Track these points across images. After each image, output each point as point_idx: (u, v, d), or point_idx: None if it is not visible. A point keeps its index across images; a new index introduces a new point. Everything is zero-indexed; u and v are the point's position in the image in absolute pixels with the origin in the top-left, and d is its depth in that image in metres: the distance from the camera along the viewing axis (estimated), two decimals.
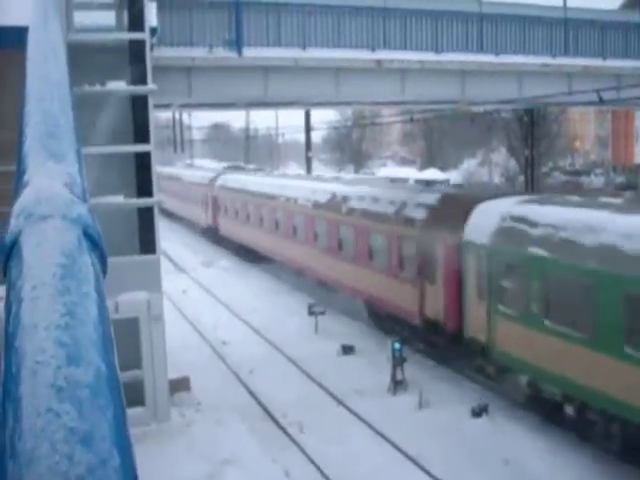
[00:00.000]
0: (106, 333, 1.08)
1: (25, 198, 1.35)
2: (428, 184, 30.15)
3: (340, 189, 28.75)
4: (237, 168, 60.16)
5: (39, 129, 1.76)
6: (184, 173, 61.36)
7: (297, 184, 34.09)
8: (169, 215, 61.23)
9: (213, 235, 47.16)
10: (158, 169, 67.71)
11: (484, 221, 18.40)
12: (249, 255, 39.17)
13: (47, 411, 0.87)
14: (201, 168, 64.33)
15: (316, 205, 29.28)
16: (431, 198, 21.64)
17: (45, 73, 2.35)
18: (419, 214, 21.24)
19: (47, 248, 1.18)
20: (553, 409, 16.17)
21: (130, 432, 0.97)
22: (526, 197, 19.50)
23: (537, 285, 16.22)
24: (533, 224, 16.63)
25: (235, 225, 41.60)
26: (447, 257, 19.46)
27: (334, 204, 27.54)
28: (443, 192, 22.47)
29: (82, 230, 1.30)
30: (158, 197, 16.81)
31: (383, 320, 24.00)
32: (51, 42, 2.92)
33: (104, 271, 1.39)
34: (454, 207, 19.94)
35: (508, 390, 18.08)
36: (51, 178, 1.44)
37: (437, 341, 20.49)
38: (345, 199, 26.90)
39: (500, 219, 17.83)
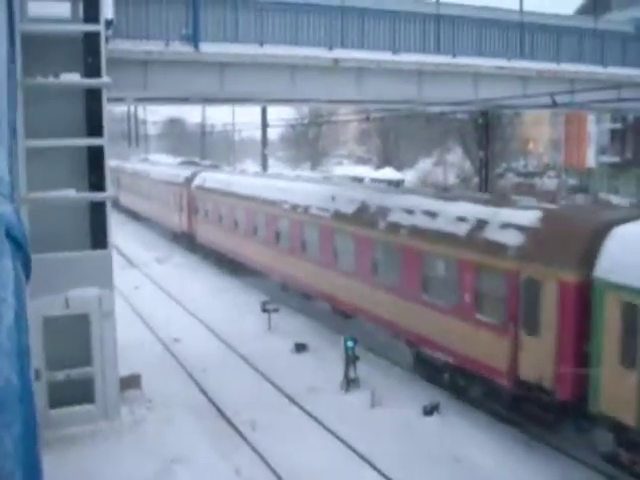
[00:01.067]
0: (21, 342, 1.01)
1: None
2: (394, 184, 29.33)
3: (373, 197, 23.01)
4: (214, 166, 56.39)
5: None
6: (153, 170, 55.01)
7: (299, 187, 28.58)
8: (133, 215, 58.80)
9: (188, 242, 41.46)
10: (122, 165, 65.05)
11: (635, 254, 13.43)
12: (232, 267, 34.09)
13: None
14: (171, 165, 59.16)
15: (338, 216, 23.40)
16: (525, 217, 16.32)
17: None
18: (511, 238, 16.11)
19: None
20: None
21: (40, 448, 0.90)
22: None
23: None
24: None
25: (218, 233, 35.72)
26: (563, 300, 14.39)
27: (367, 217, 21.85)
28: (542, 209, 16.73)
29: (4, 231, 1.22)
30: (110, 191, 16.56)
31: (435, 369, 18.98)
32: None
33: (27, 273, 1.32)
34: (569, 230, 15.17)
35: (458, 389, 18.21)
36: None
37: (533, 410, 15.57)
38: (384, 211, 21.27)
39: None
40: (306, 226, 25.63)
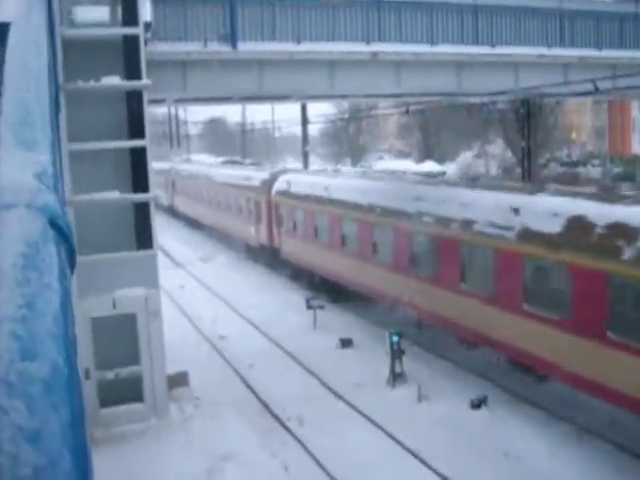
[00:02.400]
0: (67, 327, 1.02)
1: None
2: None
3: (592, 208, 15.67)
4: (287, 170, 44.44)
5: (12, 118, 1.71)
6: (216, 172, 47.53)
7: (439, 193, 21.67)
8: (192, 223, 53.23)
9: (269, 256, 34.42)
10: (177, 167, 60.40)
11: None
12: (326, 288, 27.81)
13: None
14: (246, 167, 50.45)
15: (534, 238, 16.34)
16: None
17: (24, 64, 2.30)
18: None
19: (8, 237, 1.12)
20: None
21: (88, 434, 0.91)
22: None
23: None
24: None
25: (312, 249, 28.79)
26: None
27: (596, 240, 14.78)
28: None
29: (49, 220, 1.24)
30: (154, 192, 16.74)
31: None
32: (33, 35, 2.87)
33: (72, 264, 1.33)
34: None
35: (507, 382, 18.06)
36: (20, 166, 1.39)
37: None
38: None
39: None
40: (470, 249, 18.85)
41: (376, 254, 23.62)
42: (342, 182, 28.98)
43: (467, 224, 18.90)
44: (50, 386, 0.87)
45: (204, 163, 62.62)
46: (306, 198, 29.58)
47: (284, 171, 36.97)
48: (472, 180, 28.93)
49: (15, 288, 1.00)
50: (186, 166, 60.13)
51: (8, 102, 1.85)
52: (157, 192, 21.25)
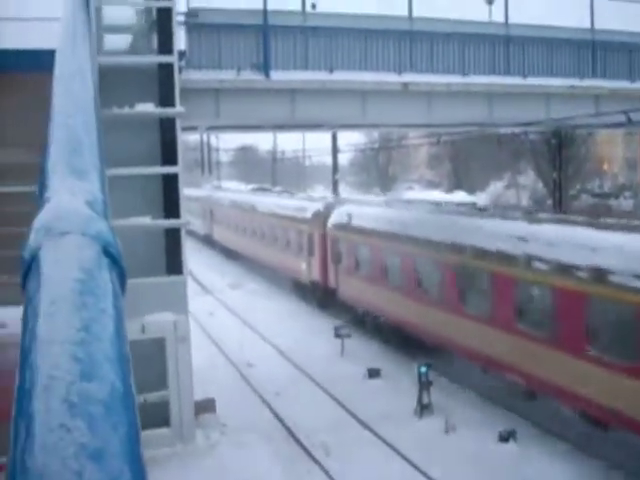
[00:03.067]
0: (122, 350, 1.06)
1: (45, 214, 1.34)
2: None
3: None
4: (347, 200, 39.86)
5: (63, 146, 1.76)
6: (260, 201, 44.39)
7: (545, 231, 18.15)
8: (230, 254, 50.75)
9: (322, 296, 31.44)
10: (215, 195, 58.11)
11: None
12: (391, 336, 25.01)
13: (59, 427, 0.85)
14: (294, 196, 46.67)
15: None
16: None
17: (71, 92, 2.36)
18: None
19: (66, 264, 1.17)
20: None
21: (143, 451, 0.95)
22: None
23: None
24: None
25: (378, 292, 25.44)
26: None
27: None
28: None
29: (102, 247, 1.29)
30: (185, 218, 16.86)
31: None
32: (78, 62, 2.94)
33: (123, 289, 1.38)
34: None
35: (535, 415, 17.85)
36: (72, 195, 1.44)
37: None
38: None
39: None
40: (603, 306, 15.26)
41: (461, 303, 20.47)
42: (418, 216, 25.00)
43: (598, 273, 15.24)
44: (109, 406, 0.91)
45: (243, 191, 59.92)
46: (373, 233, 26.25)
47: (338, 202, 33.75)
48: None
49: (74, 312, 1.04)
50: (227, 194, 57.48)
51: (58, 130, 1.91)
52: (192, 220, 20.74)
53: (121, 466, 0.84)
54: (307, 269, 33.00)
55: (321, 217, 31.79)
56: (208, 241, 58.64)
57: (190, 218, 30.12)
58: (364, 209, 29.58)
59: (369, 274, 26.50)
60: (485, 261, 19.31)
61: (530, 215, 23.58)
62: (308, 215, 33.32)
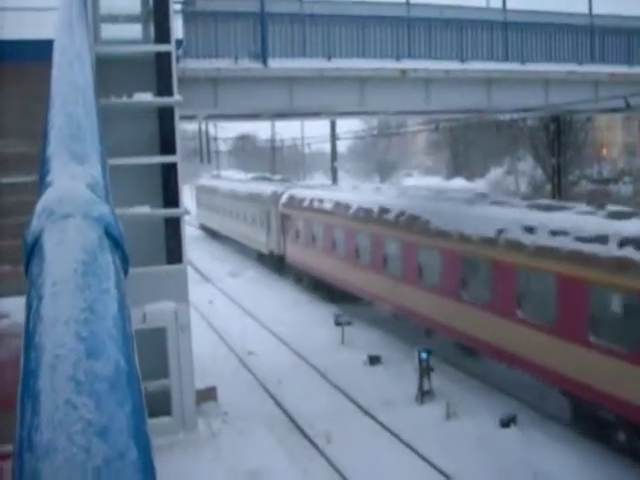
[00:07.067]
0: (126, 329, 1.08)
1: (47, 198, 1.36)
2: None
3: None
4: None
5: (62, 132, 1.77)
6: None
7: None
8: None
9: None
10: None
11: None
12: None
13: (65, 403, 0.87)
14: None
15: None
16: None
17: (70, 78, 2.37)
18: None
19: (68, 246, 1.18)
20: None
21: (149, 428, 0.96)
22: None
23: None
24: None
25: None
26: None
27: None
28: None
29: (104, 229, 1.31)
30: (183, 207, 16.85)
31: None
32: (76, 49, 2.95)
33: (125, 270, 1.39)
34: None
35: (536, 400, 17.92)
36: (74, 179, 1.45)
37: None
38: None
39: None
40: None
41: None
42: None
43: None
44: (114, 383, 0.92)
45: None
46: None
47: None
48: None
49: (77, 293, 1.05)
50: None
51: (58, 116, 1.91)
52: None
53: (127, 442, 0.86)
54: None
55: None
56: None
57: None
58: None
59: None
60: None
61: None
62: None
